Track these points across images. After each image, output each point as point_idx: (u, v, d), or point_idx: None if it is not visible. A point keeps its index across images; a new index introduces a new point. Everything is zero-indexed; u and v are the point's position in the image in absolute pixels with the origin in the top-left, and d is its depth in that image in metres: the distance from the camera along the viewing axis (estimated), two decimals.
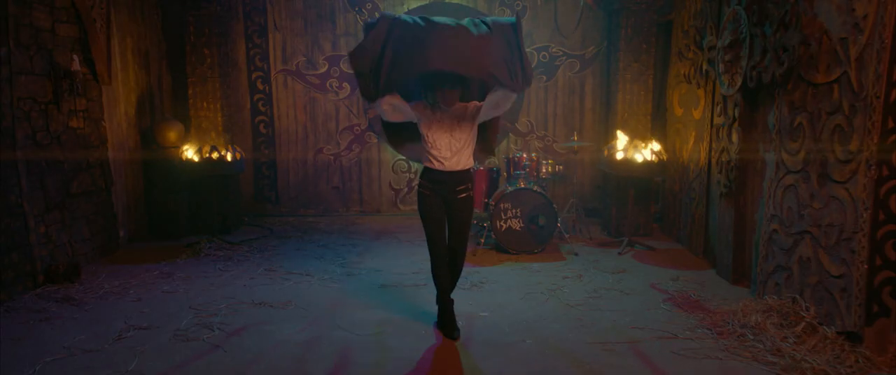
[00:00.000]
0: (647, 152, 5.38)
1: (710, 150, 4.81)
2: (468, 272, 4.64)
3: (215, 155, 5.73)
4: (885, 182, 2.86)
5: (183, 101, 6.31)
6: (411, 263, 4.95)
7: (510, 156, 5.67)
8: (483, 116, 3.37)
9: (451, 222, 3.45)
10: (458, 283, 3.58)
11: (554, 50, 6.75)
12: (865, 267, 2.92)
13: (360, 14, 6.63)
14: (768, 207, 3.85)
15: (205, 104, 6.23)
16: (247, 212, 6.76)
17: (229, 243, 5.59)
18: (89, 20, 4.83)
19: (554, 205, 5.16)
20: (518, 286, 4.33)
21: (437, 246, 3.42)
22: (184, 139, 5.94)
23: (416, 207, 3.69)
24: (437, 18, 3.24)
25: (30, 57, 4.24)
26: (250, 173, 6.84)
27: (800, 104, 3.48)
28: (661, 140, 5.70)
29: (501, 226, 5.15)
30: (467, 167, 3.40)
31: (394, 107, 3.33)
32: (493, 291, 4.21)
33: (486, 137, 3.66)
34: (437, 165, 3.33)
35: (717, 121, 4.58)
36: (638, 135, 5.81)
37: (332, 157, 6.91)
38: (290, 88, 6.79)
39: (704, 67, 4.72)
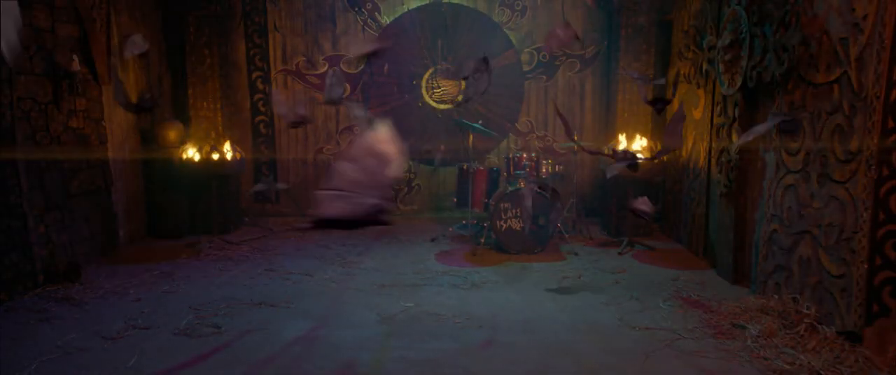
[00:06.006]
0: (647, 152, 5.38)
1: (710, 150, 4.80)
2: (468, 272, 4.65)
3: (215, 155, 5.74)
4: (885, 182, 2.86)
5: (183, 101, 6.31)
6: (411, 263, 4.95)
7: (510, 156, 5.66)
8: None
9: None
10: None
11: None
12: (865, 266, 2.92)
13: (360, 14, 6.63)
14: (768, 207, 3.85)
15: (205, 104, 6.22)
16: (247, 212, 6.76)
17: (229, 243, 5.59)
18: (89, 20, 4.83)
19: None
20: (518, 286, 4.33)
21: None
22: (184, 139, 5.94)
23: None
24: None
25: (30, 57, 4.24)
26: (250, 173, 6.83)
27: (800, 104, 3.48)
28: (660, 140, 5.69)
29: (501, 226, 5.15)
30: None
31: None
32: (492, 291, 4.21)
33: None
34: None
35: (718, 121, 4.58)
36: (638, 135, 5.82)
37: (332, 157, 6.90)
38: (290, 88, 6.78)
39: (704, 67, 4.71)
